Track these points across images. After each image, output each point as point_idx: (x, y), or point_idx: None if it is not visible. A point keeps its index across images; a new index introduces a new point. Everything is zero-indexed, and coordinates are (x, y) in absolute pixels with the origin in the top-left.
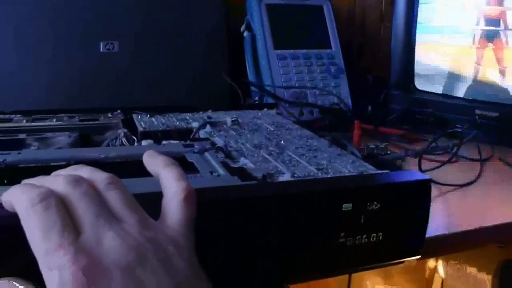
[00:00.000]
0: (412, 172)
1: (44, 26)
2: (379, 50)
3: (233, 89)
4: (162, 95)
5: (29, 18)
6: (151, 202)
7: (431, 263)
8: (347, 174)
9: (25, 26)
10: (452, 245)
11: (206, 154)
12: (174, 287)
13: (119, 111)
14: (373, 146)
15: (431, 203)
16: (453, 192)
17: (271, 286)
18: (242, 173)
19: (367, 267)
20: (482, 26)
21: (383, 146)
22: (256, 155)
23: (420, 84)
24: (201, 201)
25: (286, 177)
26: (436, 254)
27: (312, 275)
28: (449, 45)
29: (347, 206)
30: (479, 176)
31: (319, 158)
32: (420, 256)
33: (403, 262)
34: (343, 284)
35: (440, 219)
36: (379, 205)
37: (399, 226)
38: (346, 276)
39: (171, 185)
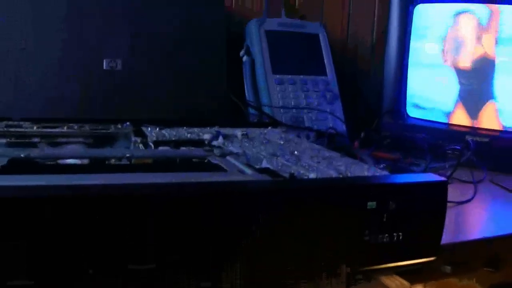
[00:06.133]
0: (428, 174)
1: (51, 42)
2: (369, 77)
3: (234, 107)
4: (164, 111)
5: (38, 34)
6: None
7: None
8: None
9: (33, 41)
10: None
11: (228, 158)
12: None
13: (128, 122)
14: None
15: None
16: (453, 207)
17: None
18: (269, 172)
19: (386, 268)
20: None
21: (381, 167)
22: (274, 162)
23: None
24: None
25: (312, 177)
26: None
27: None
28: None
29: (371, 204)
30: (475, 194)
31: (336, 165)
32: (435, 257)
33: (420, 264)
34: None
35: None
36: (400, 205)
37: (418, 226)
38: None
39: None
